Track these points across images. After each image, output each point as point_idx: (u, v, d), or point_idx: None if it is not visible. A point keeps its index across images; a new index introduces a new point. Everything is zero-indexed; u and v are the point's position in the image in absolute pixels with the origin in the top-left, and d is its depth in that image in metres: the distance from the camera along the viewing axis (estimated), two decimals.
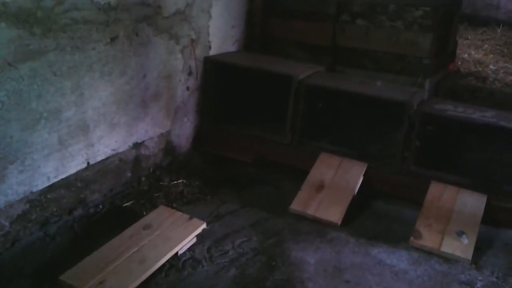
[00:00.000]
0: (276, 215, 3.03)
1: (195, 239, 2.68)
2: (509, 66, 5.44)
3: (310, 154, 3.42)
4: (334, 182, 3.22)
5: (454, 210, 2.97)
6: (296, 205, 3.08)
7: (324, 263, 2.62)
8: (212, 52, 3.75)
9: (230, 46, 3.99)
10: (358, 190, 3.21)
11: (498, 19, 7.58)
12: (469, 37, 6.76)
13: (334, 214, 3.00)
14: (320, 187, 3.20)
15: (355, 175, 3.26)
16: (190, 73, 3.54)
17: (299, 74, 3.46)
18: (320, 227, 2.94)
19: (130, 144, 3.14)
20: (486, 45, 6.35)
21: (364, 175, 3.27)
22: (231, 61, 3.74)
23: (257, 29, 4.18)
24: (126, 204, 3.02)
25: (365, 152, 3.39)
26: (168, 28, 3.22)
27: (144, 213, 2.89)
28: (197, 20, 3.48)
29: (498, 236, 2.94)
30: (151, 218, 2.75)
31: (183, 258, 2.57)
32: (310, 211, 3.03)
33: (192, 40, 3.48)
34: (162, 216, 2.76)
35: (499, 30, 7.19)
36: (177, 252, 2.55)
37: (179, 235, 2.61)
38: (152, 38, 3.10)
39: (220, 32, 3.80)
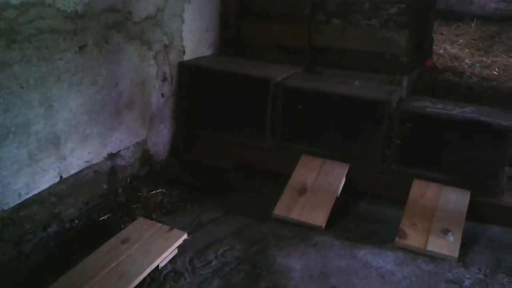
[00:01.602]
0: (259, 221, 2.96)
1: (176, 251, 2.60)
2: (484, 60, 5.47)
3: (291, 157, 3.36)
4: (316, 185, 3.17)
5: (438, 208, 2.94)
6: (279, 210, 3.01)
7: (310, 268, 2.56)
8: (187, 57, 3.67)
9: (204, 50, 3.91)
10: (341, 191, 3.17)
11: (472, 13, 7.67)
12: (444, 32, 6.80)
13: (318, 217, 2.94)
14: (302, 190, 3.14)
15: (337, 176, 3.21)
16: (164, 79, 3.46)
17: (277, 77, 3.41)
18: (304, 231, 2.88)
19: (105, 155, 3.03)
20: (461, 40, 6.40)
21: (346, 176, 3.22)
22: (206, 65, 3.67)
23: (231, 32, 4.12)
24: (103, 217, 2.92)
25: (346, 152, 3.34)
26: (139, 34, 3.13)
27: (122, 226, 2.79)
28: (169, 25, 3.40)
29: (483, 232, 2.92)
30: (129, 231, 2.65)
31: (164, 271, 2.49)
32: (294, 216, 2.97)
33: (165, 46, 3.40)
34: (141, 229, 2.67)
35: (473, 25, 7.26)
36: (158, 266, 2.47)
37: (160, 248, 2.53)
38: (123, 45, 3.00)
39: (193, 36, 3.72)
